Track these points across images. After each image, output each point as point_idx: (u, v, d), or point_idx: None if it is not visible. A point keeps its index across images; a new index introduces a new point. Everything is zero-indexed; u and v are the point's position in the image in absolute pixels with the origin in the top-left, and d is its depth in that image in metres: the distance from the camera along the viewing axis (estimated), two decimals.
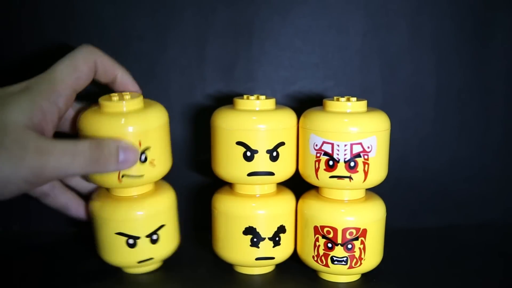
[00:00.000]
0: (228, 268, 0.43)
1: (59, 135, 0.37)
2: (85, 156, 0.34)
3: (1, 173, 0.31)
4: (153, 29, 0.49)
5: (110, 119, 0.37)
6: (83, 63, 0.37)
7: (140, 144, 0.37)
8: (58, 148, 0.33)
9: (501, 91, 0.52)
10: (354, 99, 0.40)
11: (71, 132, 0.41)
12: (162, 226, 0.41)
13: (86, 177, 0.44)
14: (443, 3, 0.50)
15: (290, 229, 0.42)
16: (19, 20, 0.48)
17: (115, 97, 0.38)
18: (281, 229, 0.41)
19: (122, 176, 0.38)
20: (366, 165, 0.38)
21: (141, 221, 0.40)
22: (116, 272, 0.42)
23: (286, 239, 0.42)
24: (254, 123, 0.39)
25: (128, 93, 0.39)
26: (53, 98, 0.35)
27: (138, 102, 0.38)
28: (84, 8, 0.48)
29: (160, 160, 0.39)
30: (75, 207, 0.44)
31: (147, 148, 0.38)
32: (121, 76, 0.40)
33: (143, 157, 0.38)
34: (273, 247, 0.41)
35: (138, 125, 0.37)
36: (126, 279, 0.41)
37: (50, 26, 0.48)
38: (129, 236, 0.40)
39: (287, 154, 0.40)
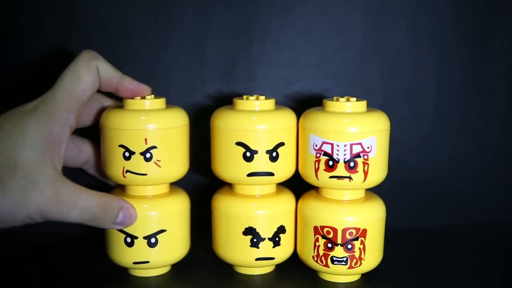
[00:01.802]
0: (228, 269, 0.43)
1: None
2: (89, 214, 0.36)
3: (3, 209, 0.32)
4: (153, 29, 0.49)
5: (129, 114, 0.38)
6: (86, 72, 0.37)
7: (146, 141, 0.38)
8: (71, 196, 0.34)
9: (501, 91, 0.52)
10: (354, 99, 0.40)
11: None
12: (162, 231, 0.40)
13: (98, 170, 0.45)
14: (443, 3, 0.50)
15: (290, 229, 0.42)
16: (19, 19, 0.48)
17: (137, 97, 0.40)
18: (281, 230, 0.41)
19: (126, 172, 0.38)
20: (366, 165, 0.38)
21: (139, 221, 0.39)
22: (118, 273, 0.42)
23: (286, 240, 0.42)
24: (253, 124, 0.39)
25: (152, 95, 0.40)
26: (63, 119, 0.35)
27: (142, 103, 0.39)
28: (85, 9, 0.48)
29: (167, 162, 0.39)
30: None
31: (152, 147, 0.38)
32: (122, 78, 0.39)
33: (147, 155, 0.38)
34: (273, 247, 0.41)
35: (143, 123, 0.38)
36: (126, 279, 0.41)
37: (51, 26, 0.48)
38: (127, 234, 0.40)
39: (286, 154, 0.40)
